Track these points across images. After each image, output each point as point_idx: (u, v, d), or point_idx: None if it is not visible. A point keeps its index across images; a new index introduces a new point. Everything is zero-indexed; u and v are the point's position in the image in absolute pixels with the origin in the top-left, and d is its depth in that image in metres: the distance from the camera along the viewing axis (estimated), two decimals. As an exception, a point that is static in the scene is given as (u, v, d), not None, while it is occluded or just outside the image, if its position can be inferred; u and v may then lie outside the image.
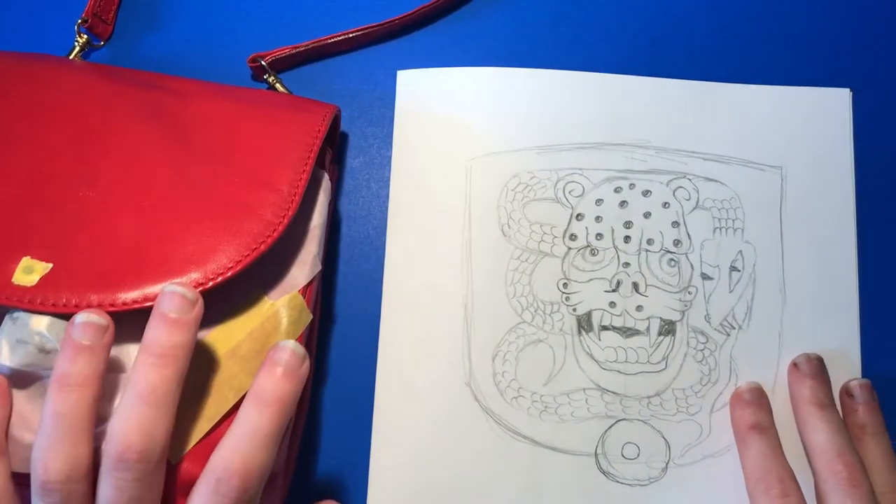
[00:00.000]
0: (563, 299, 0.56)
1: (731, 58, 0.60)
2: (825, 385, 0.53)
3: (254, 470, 0.40)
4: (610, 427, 0.55)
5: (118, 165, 0.47)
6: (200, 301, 0.42)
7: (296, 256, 0.49)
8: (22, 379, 0.43)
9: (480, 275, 0.56)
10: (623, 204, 0.57)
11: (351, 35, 0.58)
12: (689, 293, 0.56)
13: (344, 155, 0.59)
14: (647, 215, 0.57)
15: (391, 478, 0.54)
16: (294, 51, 0.58)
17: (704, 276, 0.56)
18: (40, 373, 0.42)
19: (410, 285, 0.56)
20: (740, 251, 0.57)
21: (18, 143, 0.47)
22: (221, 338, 0.46)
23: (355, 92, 0.59)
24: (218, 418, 0.45)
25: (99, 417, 0.43)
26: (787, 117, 0.58)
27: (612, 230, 0.57)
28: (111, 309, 0.42)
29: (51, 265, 0.43)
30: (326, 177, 0.53)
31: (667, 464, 0.55)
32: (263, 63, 0.57)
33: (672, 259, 0.56)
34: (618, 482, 0.54)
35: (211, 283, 0.44)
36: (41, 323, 0.42)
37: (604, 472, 0.54)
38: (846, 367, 0.56)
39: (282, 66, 0.59)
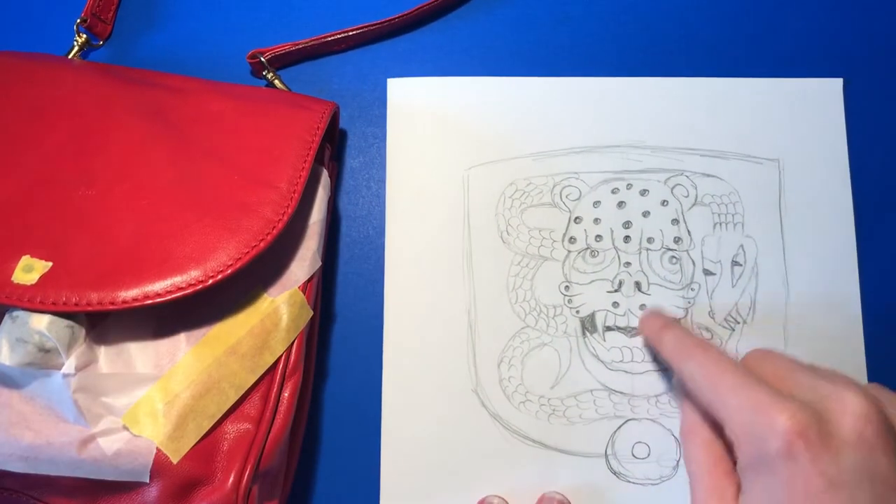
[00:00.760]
0: (566, 302, 0.55)
1: (722, 52, 0.60)
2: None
3: None
4: (619, 427, 0.54)
5: (117, 164, 0.47)
6: None
7: (295, 253, 0.49)
8: (22, 378, 0.42)
9: (482, 282, 0.56)
10: (621, 204, 0.57)
11: (351, 33, 0.59)
12: (692, 290, 0.56)
13: (343, 154, 0.59)
14: (645, 214, 0.56)
15: (403, 487, 0.53)
16: (294, 47, 0.58)
17: (706, 272, 0.56)
18: (39, 372, 0.42)
19: (412, 295, 0.55)
20: (741, 245, 0.56)
21: (18, 143, 0.47)
22: (222, 335, 0.46)
23: (355, 91, 0.59)
24: (219, 416, 0.44)
25: (98, 415, 0.42)
26: (781, 109, 0.58)
27: (612, 231, 0.56)
28: (111, 307, 0.42)
29: (50, 264, 0.43)
30: (325, 173, 0.53)
31: (678, 462, 0.54)
32: (263, 59, 0.57)
33: (673, 256, 0.56)
34: (629, 482, 0.53)
35: (211, 281, 0.44)
36: (41, 322, 0.42)
37: (615, 473, 0.53)
38: (850, 354, 0.55)
39: (281, 62, 0.59)
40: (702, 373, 0.44)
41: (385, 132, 0.58)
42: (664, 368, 0.55)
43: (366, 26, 0.58)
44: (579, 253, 0.56)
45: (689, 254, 0.56)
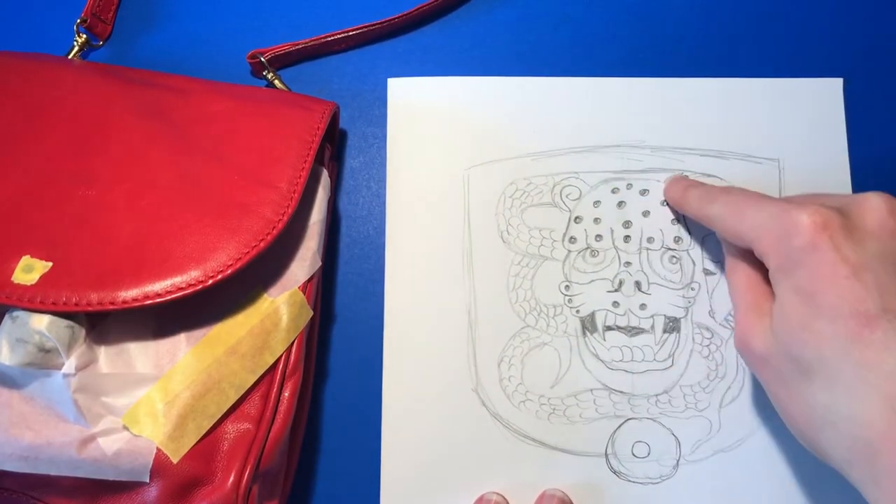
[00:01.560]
0: (566, 301, 0.55)
1: (722, 52, 0.60)
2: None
3: None
4: (619, 426, 0.54)
5: (117, 164, 0.47)
6: None
7: (295, 253, 0.49)
8: (22, 378, 0.42)
9: (482, 282, 0.55)
10: (621, 204, 0.56)
11: (351, 33, 0.58)
12: (693, 289, 0.55)
13: (343, 154, 0.58)
14: (645, 214, 0.56)
15: (403, 486, 0.53)
16: (294, 47, 0.58)
17: (707, 272, 0.56)
18: (39, 372, 0.42)
19: (412, 295, 0.55)
20: None
21: (18, 143, 0.47)
22: (222, 335, 0.46)
23: (355, 91, 0.59)
24: (219, 416, 0.44)
25: (98, 415, 0.42)
26: (781, 109, 0.58)
27: (612, 231, 0.56)
28: (111, 307, 0.42)
29: (50, 264, 0.43)
30: (325, 173, 0.52)
31: (678, 461, 0.53)
32: (263, 59, 0.57)
33: (673, 256, 0.55)
34: (629, 481, 0.53)
35: (211, 281, 0.43)
36: (41, 322, 0.41)
37: (615, 472, 0.53)
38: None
39: (281, 62, 0.59)
40: (727, 208, 0.47)
41: (385, 132, 0.58)
42: (664, 368, 0.54)
43: (366, 26, 0.58)
44: (579, 252, 0.56)
45: (689, 253, 0.56)
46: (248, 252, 0.44)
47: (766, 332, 0.44)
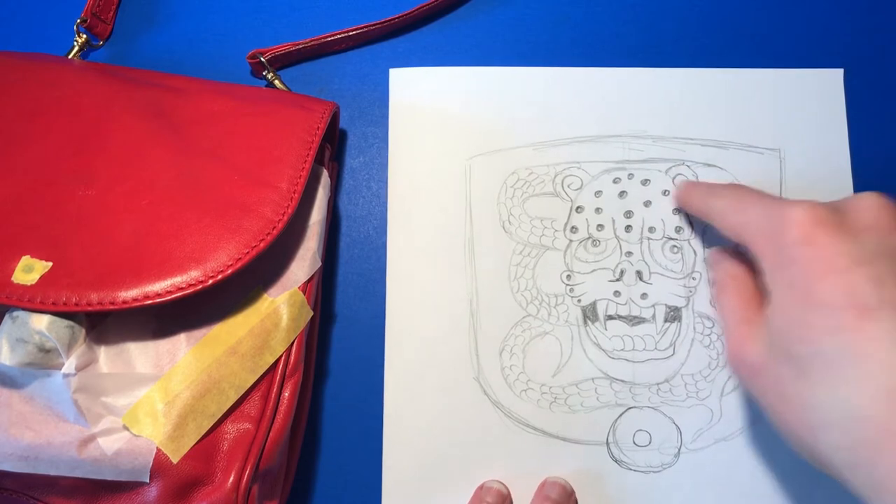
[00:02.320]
0: (568, 291, 0.54)
1: (723, 43, 0.58)
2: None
3: None
4: (620, 415, 0.52)
5: (117, 164, 0.45)
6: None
7: (295, 253, 0.48)
8: (22, 378, 0.41)
9: (484, 271, 0.54)
10: (622, 194, 0.55)
11: (351, 33, 0.57)
12: (694, 279, 0.54)
13: (343, 154, 0.57)
14: (647, 204, 0.54)
15: (405, 475, 0.51)
16: (294, 47, 0.56)
17: (708, 262, 0.53)
18: (39, 372, 0.41)
19: (414, 284, 0.54)
20: None
21: (18, 143, 0.46)
22: (222, 335, 0.44)
23: (355, 91, 0.58)
24: (219, 416, 0.43)
25: (98, 415, 0.40)
26: (782, 100, 0.56)
27: (613, 220, 0.54)
28: (111, 307, 0.41)
29: (50, 264, 0.42)
30: (326, 173, 0.51)
31: (679, 449, 0.52)
32: (263, 59, 0.55)
33: (675, 246, 0.54)
34: (631, 470, 0.52)
35: (211, 281, 0.42)
36: (41, 322, 0.40)
37: (616, 461, 0.52)
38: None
39: (281, 62, 0.57)
40: (729, 204, 0.45)
41: (385, 132, 0.57)
42: (665, 357, 0.53)
43: (366, 26, 0.57)
44: (581, 242, 0.54)
45: (690, 243, 0.54)
46: (248, 252, 0.43)
47: (761, 340, 0.42)
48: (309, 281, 0.47)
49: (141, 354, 0.43)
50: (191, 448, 0.42)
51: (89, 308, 0.41)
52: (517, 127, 0.56)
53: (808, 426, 0.39)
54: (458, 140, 0.56)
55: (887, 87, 0.57)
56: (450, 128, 0.56)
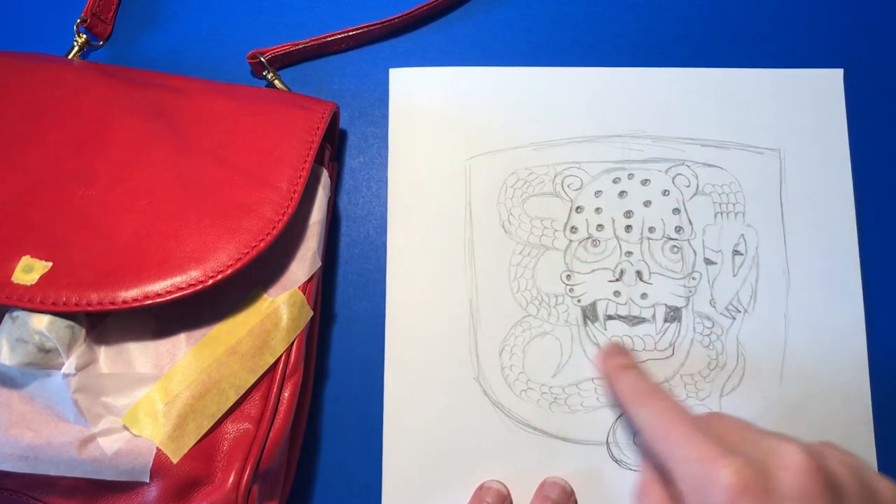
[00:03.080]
0: (567, 291, 0.54)
1: (723, 43, 0.58)
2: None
3: None
4: (620, 415, 0.52)
5: (117, 164, 0.45)
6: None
7: (295, 253, 0.48)
8: (22, 378, 0.41)
9: (483, 271, 0.54)
10: (622, 194, 0.54)
11: (351, 33, 0.57)
12: (693, 279, 0.54)
13: (343, 155, 0.57)
14: (647, 204, 0.54)
15: (405, 475, 0.51)
16: (294, 48, 0.56)
17: (708, 262, 0.54)
18: (39, 372, 0.41)
19: (414, 284, 0.54)
20: (742, 235, 0.54)
21: (18, 143, 0.46)
22: (222, 335, 0.44)
23: (355, 91, 0.58)
24: (219, 416, 0.43)
25: (98, 415, 0.40)
26: (782, 100, 0.56)
27: (613, 220, 0.54)
28: (111, 307, 0.41)
29: (50, 264, 0.42)
30: (325, 173, 0.51)
31: (678, 449, 0.51)
32: (263, 59, 0.55)
33: (674, 246, 0.54)
34: (631, 469, 0.52)
35: (211, 281, 0.42)
36: (41, 322, 0.40)
37: (616, 461, 0.52)
38: (851, 343, 0.53)
39: (281, 63, 0.57)
40: (655, 421, 0.43)
41: (385, 132, 0.57)
42: (665, 357, 0.53)
43: (366, 26, 0.57)
44: (581, 242, 0.54)
45: (690, 243, 0.54)
46: (248, 252, 0.43)
47: None
48: (309, 281, 0.47)
49: (141, 354, 0.43)
50: (191, 448, 0.41)
51: (89, 308, 0.40)
52: (517, 127, 0.56)
53: None
54: (457, 140, 0.56)
55: (887, 87, 0.57)
56: (450, 128, 0.56)
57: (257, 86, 0.55)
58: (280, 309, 0.45)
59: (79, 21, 0.56)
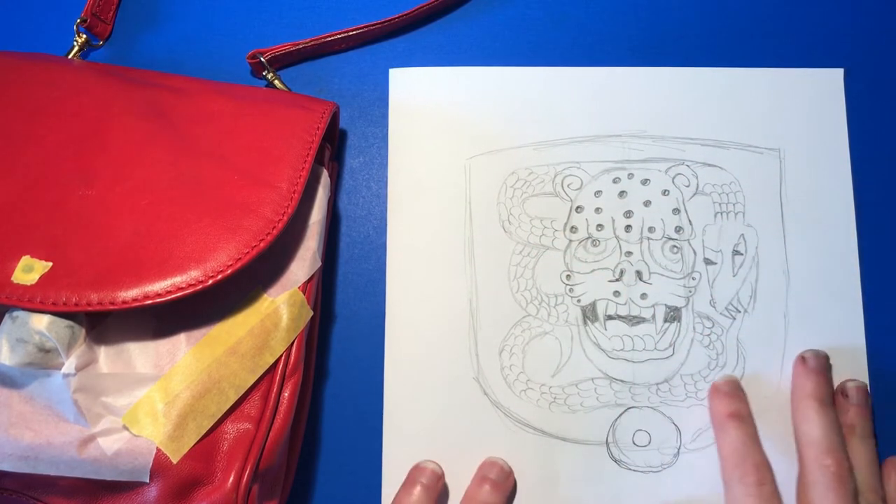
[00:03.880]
0: (567, 291, 0.54)
1: (723, 42, 0.58)
2: (828, 383, 0.51)
3: None
4: (620, 415, 0.52)
5: (117, 164, 0.45)
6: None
7: (295, 253, 0.47)
8: (22, 378, 0.41)
9: (483, 271, 0.54)
10: (622, 194, 0.54)
11: (351, 33, 0.57)
12: (693, 279, 0.54)
13: (343, 154, 0.57)
14: (647, 203, 0.54)
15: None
16: (294, 48, 0.56)
17: (707, 262, 0.54)
18: (39, 372, 0.40)
19: (414, 284, 0.54)
20: (742, 235, 0.54)
21: (18, 143, 0.45)
22: (222, 335, 0.44)
23: (355, 91, 0.58)
24: (219, 416, 0.43)
25: (98, 415, 0.40)
26: (782, 99, 0.56)
27: (613, 220, 0.54)
28: (111, 307, 0.41)
29: (50, 264, 0.41)
30: (325, 173, 0.51)
31: (678, 449, 0.52)
32: (263, 59, 0.55)
33: (674, 246, 0.54)
34: (630, 469, 0.52)
35: (211, 281, 0.42)
36: (41, 322, 0.40)
37: (616, 461, 0.52)
38: (850, 343, 0.53)
39: (281, 63, 0.57)
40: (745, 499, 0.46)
41: (385, 132, 0.57)
42: (665, 357, 0.53)
43: (366, 26, 0.56)
44: (580, 242, 0.54)
45: (690, 243, 0.54)
46: (248, 252, 0.43)
47: None
48: (309, 281, 0.47)
49: (141, 354, 0.43)
50: (191, 448, 0.41)
51: (89, 308, 0.40)
52: (517, 127, 0.56)
53: None
54: (457, 140, 0.56)
55: (887, 87, 0.57)
56: (450, 128, 0.56)
57: (257, 86, 0.55)
58: (280, 309, 0.45)
59: (79, 21, 0.56)
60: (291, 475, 0.49)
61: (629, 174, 0.55)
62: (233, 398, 0.43)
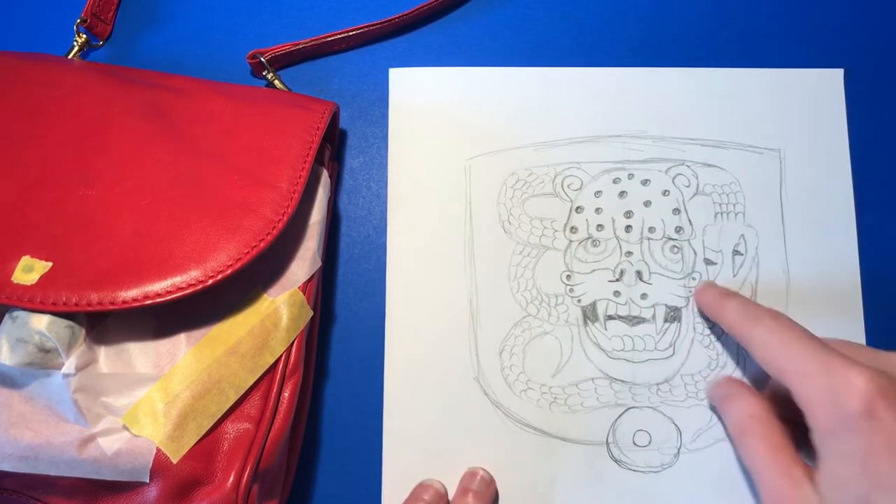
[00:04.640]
0: (567, 291, 0.54)
1: (723, 43, 0.58)
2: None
3: None
4: (620, 415, 0.52)
5: (117, 164, 0.45)
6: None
7: (295, 253, 0.47)
8: (22, 378, 0.41)
9: (483, 271, 0.54)
10: (622, 194, 0.54)
11: (351, 33, 0.57)
12: (693, 279, 0.54)
13: (343, 154, 0.57)
14: (647, 204, 0.54)
15: (405, 475, 0.51)
16: (294, 48, 0.56)
17: (708, 262, 0.54)
18: (39, 372, 0.40)
19: (414, 284, 0.54)
20: (742, 235, 0.54)
21: (18, 143, 0.45)
22: (222, 335, 0.44)
23: (355, 91, 0.58)
24: (219, 416, 0.43)
25: (98, 415, 0.40)
26: (782, 99, 0.56)
27: (613, 220, 0.54)
28: (111, 307, 0.41)
29: (50, 264, 0.41)
30: (325, 173, 0.51)
31: (678, 449, 0.52)
32: (263, 59, 0.55)
33: (675, 246, 0.54)
34: (630, 470, 0.52)
35: (211, 281, 0.42)
36: (41, 322, 0.40)
37: (616, 461, 0.52)
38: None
39: (281, 63, 0.57)
40: (771, 339, 0.43)
41: (385, 132, 0.56)
42: (665, 357, 0.53)
43: (366, 26, 0.56)
44: (581, 242, 0.54)
45: (690, 243, 0.54)
46: (248, 252, 0.43)
47: (808, 501, 0.40)
48: (309, 281, 0.47)
49: (141, 354, 0.43)
50: (191, 448, 0.41)
51: (89, 308, 0.40)
52: (517, 127, 0.56)
53: None
54: (457, 140, 0.56)
55: (887, 87, 0.57)
56: (450, 128, 0.56)
57: (257, 86, 0.55)
58: (280, 309, 0.45)
59: (79, 21, 0.56)
60: (291, 475, 0.49)
61: (629, 174, 0.55)
62: (233, 398, 0.43)
